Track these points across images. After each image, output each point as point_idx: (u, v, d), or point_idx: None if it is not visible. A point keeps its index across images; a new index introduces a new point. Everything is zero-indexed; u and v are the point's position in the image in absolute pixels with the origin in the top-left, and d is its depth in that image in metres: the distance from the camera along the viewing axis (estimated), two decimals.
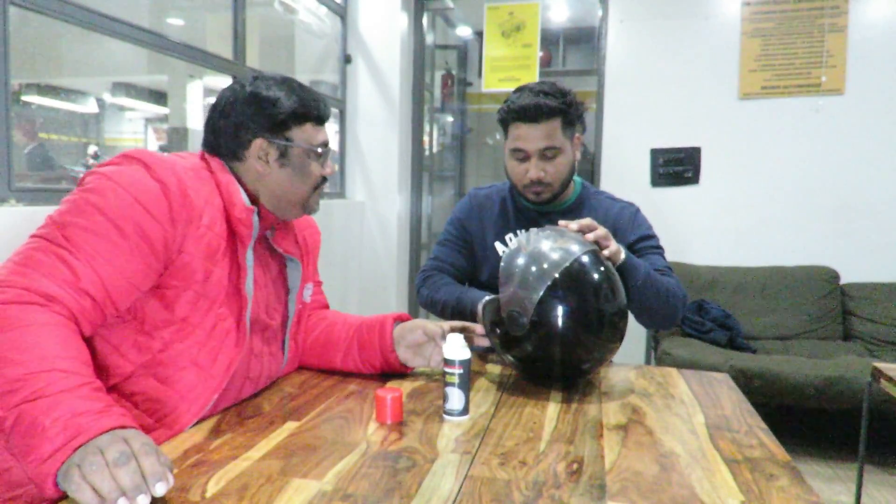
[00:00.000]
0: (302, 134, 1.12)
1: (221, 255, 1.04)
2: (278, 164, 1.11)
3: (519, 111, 1.44)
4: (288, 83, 1.13)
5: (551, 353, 1.17)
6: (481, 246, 1.62)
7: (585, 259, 1.16)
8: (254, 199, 1.12)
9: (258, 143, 1.09)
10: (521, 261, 1.18)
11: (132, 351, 0.98)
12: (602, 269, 1.18)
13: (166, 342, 0.99)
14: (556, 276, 1.13)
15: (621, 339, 1.21)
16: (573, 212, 1.57)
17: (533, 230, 1.26)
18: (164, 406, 0.99)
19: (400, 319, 1.28)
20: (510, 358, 1.23)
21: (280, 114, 1.09)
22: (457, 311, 1.49)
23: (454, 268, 1.63)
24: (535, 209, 1.59)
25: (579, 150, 1.54)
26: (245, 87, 1.11)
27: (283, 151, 1.11)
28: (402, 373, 1.28)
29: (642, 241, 1.53)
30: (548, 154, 1.46)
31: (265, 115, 1.09)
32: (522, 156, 1.48)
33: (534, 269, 1.16)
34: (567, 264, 1.14)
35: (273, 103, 1.09)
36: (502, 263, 1.21)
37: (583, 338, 1.16)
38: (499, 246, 1.60)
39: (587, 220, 1.27)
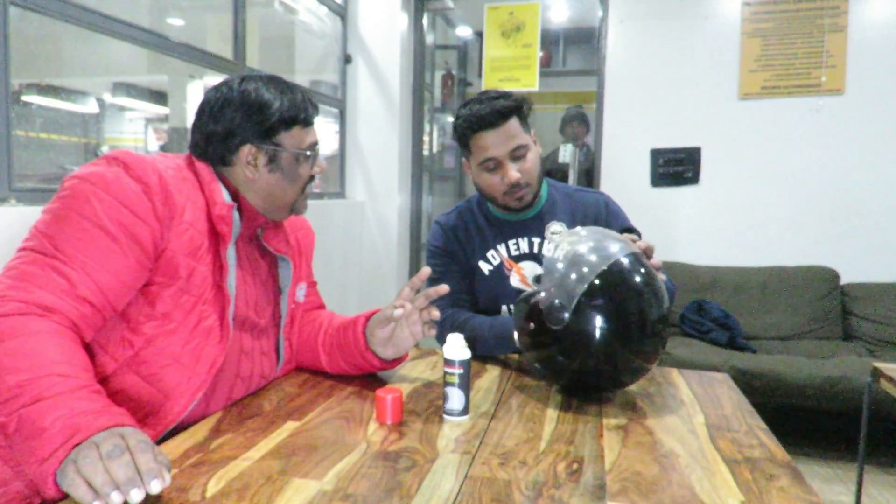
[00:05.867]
0: (290, 138, 1.12)
1: (204, 252, 1.04)
2: (267, 170, 1.11)
3: (478, 120, 1.41)
4: (276, 85, 1.12)
5: (585, 362, 1.09)
6: (467, 270, 1.56)
7: (626, 261, 1.09)
8: (236, 198, 1.11)
9: (247, 150, 1.09)
10: (563, 261, 1.11)
11: (117, 347, 0.98)
12: (646, 274, 1.11)
13: (148, 338, 0.99)
14: (598, 274, 1.06)
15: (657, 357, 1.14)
16: (548, 213, 1.54)
17: (578, 229, 1.19)
18: (147, 404, 0.99)
19: (371, 317, 1.23)
20: (537, 366, 1.18)
21: (269, 120, 1.09)
22: (498, 340, 1.40)
23: (459, 297, 1.54)
24: (509, 218, 1.54)
25: (540, 146, 1.51)
26: (233, 90, 1.10)
27: (273, 157, 1.11)
28: (392, 368, 1.27)
29: (625, 234, 1.51)
30: (517, 154, 1.44)
31: (254, 122, 1.08)
32: (493, 164, 1.44)
33: (574, 272, 1.09)
34: (615, 260, 1.08)
35: (261, 109, 1.08)
36: (546, 256, 1.15)
37: (624, 345, 1.08)
38: (483, 265, 1.54)
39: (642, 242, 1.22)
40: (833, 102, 3.32)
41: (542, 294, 1.12)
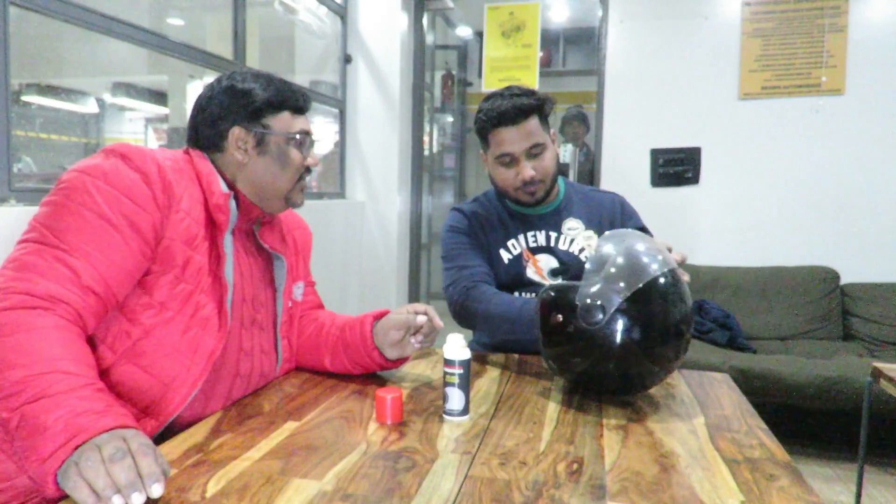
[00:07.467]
0: (279, 122, 1.13)
1: (201, 241, 1.04)
2: (256, 153, 1.12)
3: (499, 116, 1.44)
4: (265, 76, 1.15)
5: (607, 364, 1.08)
6: (486, 254, 1.57)
7: (666, 278, 1.09)
8: (233, 188, 1.13)
9: (235, 132, 1.11)
10: (606, 264, 1.10)
11: (115, 339, 0.98)
12: (682, 289, 1.11)
13: (146, 329, 0.99)
14: (639, 286, 1.05)
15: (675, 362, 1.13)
16: (564, 209, 1.58)
17: (621, 231, 1.19)
18: (147, 395, 0.99)
19: (380, 317, 1.24)
20: (553, 364, 1.17)
21: (255, 102, 1.11)
22: (525, 324, 1.36)
23: (485, 272, 1.52)
24: (528, 212, 1.58)
25: (559, 145, 1.54)
26: (222, 82, 1.13)
27: (261, 139, 1.12)
28: (394, 368, 1.27)
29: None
30: (534, 152, 1.47)
31: (241, 105, 1.11)
32: (509, 160, 1.48)
33: (614, 277, 1.07)
34: (657, 275, 1.08)
35: (248, 93, 1.11)
36: (588, 256, 1.14)
37: (650, 349, 1.07)
38: (503, 253, 1.55)
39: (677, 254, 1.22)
40: (833, 102, 3.31)
41: (580, 292, 1.10)
